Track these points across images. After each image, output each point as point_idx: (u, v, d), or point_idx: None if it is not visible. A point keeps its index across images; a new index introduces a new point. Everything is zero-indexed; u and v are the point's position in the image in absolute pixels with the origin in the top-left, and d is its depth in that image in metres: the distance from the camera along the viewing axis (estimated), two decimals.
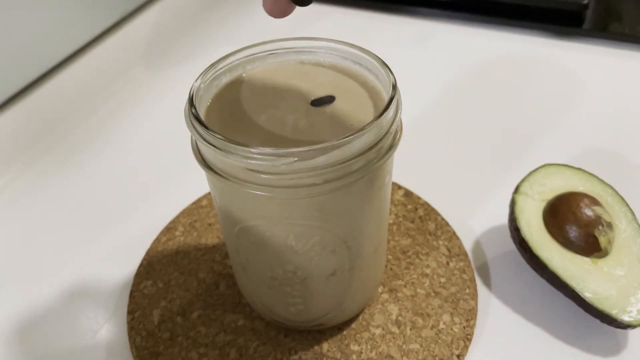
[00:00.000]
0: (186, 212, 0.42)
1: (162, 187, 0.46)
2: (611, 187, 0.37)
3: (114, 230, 0.42)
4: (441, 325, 0.34)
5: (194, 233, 0.41)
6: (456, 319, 0.34)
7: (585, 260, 0.34)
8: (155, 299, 0.36)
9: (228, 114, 0.28)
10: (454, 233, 0.40)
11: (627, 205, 0.36)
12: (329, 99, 0.28)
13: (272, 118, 0.28)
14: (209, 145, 0.25)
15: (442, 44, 0.62)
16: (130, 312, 0.36)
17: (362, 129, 0.24)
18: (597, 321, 0.33)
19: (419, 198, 0.42)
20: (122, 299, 0.37)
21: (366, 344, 0.33)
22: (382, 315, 0.35)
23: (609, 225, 0.35)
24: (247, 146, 0.24)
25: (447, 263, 0.38)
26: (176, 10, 0.65)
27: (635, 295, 0.32)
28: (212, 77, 0.29)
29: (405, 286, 0.36)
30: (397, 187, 0.43)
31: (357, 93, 0.29)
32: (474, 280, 0.37)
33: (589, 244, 0.34)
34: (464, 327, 0.34)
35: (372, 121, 0.25)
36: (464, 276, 0.37)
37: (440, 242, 0.39)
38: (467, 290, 0.36)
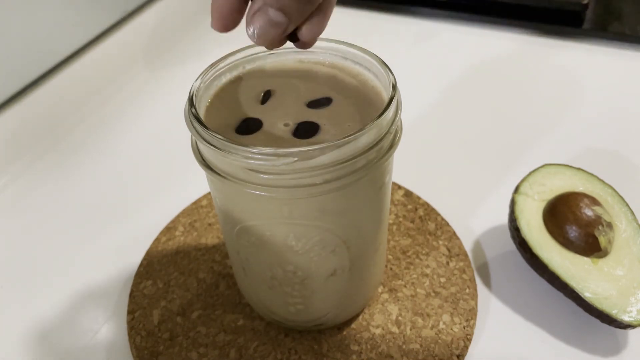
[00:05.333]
0: (186, 212, 0.42)
1: (162, 187, 0.46)
2: (611, 187, 0.37)
3: (114, 230, 0.42)
4: (441, 325, 0.34)
5: (194, 233, 0.41)
6: (456, 319, 0.34)
7: (585, 260, 0.34)
8: (155, 299, 0.36)
9: (228, 114, 0.28)
10: (454, 233, 0.40)
11: (627, 205, 0.36)
12: (326, 101, 0.28)
13: (272, 118, 0.28)
14: (209, 145, 0.25)
15: (442, 44, 0.62)
16: (130, 312, 0.36)
17: (362, 129, 0.24)
18: (597, 321, 0.33)
19: (419, 198, 0.42)
20: (122, 299, 0.37)
21: (366, 344, 0.33)
22: (382, 315, 0.35)
23: (609, 225, 0.35)
24: (247, 146, 0.24)
25: (447, 263, 0.38)
26: (176, 10, 0.65)
27: (635, 295, 0.32)
28: (212, 77, 0.29)
29: (405, 286, 0.36)
30: (397, 187, 0.43)
31: (357, 93, 0.29)
32: (474, 280, 0.37)
33: (589, 244, 0.34)
34: (464, 327, 0.34)
35: (372, 121, 0.25)
36: (464, 276, 0.37)
37: (440, 242, 0.39)
38: (467, 290, 0.36)
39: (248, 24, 0.23)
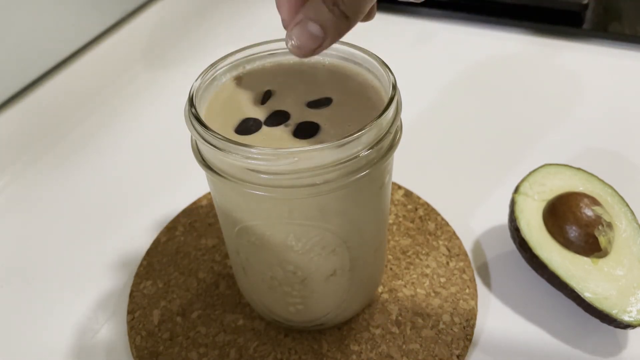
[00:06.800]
0: (186, 212, 0.42)
1: (162, 187, 0.46)
2: (611, 187, 0.37)
3: (114, 230, 0.42)
4: (441, 325, 0.34)
5: (194, 233, 0.41)
6: (456, 319, 0.34)
7: (585, 260, 0.34)
8: (155, 299, 0.36)
9: (228, 114, 0.28)
10: (454, 233, 0.40)
11: (627, 205, 0.36)
12: (326, 101, 0.28)
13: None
14: (209, 145, 0.25)
15: (442, 44, 0.62)
16: (130, 312, 0.36)
17: (362, 129, 0.24)
18: (597, 321, 0.33)
19: (419, 198, 0.42)
20: (122, 299, 0.37)
21: (366, 344, 0.33)
22: (382, 315, 0.35)
23: (609, 225, 0.35)
24: (247, 146, 0.24)
25: (447, 263, 0.38)
26: (176, 10, 0.65)
27: (635, 295, 0.32)
28: (212, 77, 0.29)
29: (405, 286, 0.36)
30: (397, 187, 0.43)
31: (357, 93, 0.29)
32: (474, 280, 0.37)
33: (589, 244, 0.34)
34: (464, 327, 0.34)
35: (372, 121, 0.25)
36: (464, 276, 0.37)
37: (440, 242, 0.39)
38: (467, 290, 0.36)
39: (288, 35, 0.25)
